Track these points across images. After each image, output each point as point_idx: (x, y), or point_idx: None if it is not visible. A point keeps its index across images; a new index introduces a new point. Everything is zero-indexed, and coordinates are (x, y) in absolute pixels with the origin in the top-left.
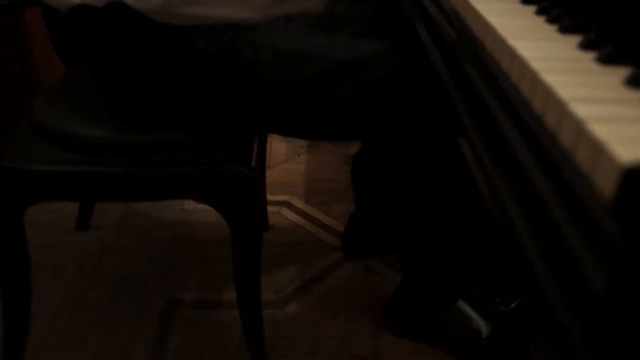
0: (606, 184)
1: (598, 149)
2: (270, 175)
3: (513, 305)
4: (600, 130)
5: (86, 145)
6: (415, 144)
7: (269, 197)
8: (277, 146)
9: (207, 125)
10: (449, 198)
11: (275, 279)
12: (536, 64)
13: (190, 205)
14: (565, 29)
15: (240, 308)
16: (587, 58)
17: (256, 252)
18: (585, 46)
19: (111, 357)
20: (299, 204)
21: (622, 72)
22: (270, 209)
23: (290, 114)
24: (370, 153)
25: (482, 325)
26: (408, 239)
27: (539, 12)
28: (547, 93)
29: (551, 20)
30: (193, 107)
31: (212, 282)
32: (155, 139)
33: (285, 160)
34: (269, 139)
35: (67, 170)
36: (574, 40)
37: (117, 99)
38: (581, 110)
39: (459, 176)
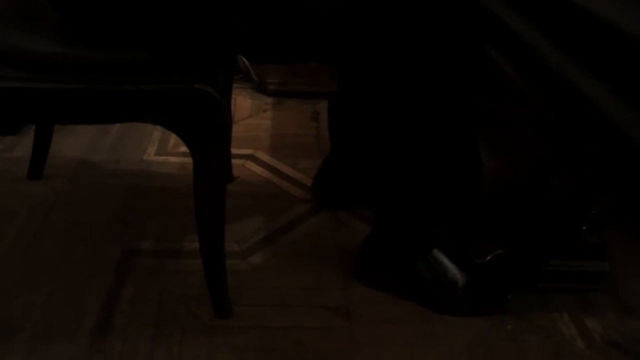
0: None
1: None
2: (235, 130)
3: (489, 257)
4: None
5: (37, 61)
6: (397, 72)
7: (233, 151)
8: (242, 102)
9: (170, 43)
10: (427, 138)
11: (239, 230)
12: None
13: (149, 156)
14: None
15: (203, 256)
16: None
17: (220, 190)
18: None
19: (63, 304)
20: (264, 157)
21: None
22: (234, 161)
23: (266, 29)
24: (349, 91)
25: (458, 275)
26: (383, 181)
27: None
28: None
29: None
30: (156, 22)
31: (173, 231)
32: (114, 56)
33: (250, 115)
34: (233, 95)
35: (15, 86)
36: None
37: (72, 13)
38: None
39: (439, 115)
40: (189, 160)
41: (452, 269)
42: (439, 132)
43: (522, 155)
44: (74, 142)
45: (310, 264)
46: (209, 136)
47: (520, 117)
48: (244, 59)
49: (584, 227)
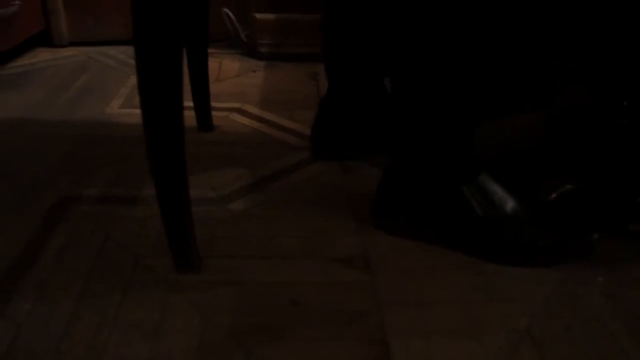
0: None
1: None
2: (218, 87)
3: (554, 195)
4: None
5: None
6: None
7: (215, 104)
8: (229, 64)
9: None
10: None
11: (216, 177)
12: None
13: (113, 109)
14: None
15: (159, 199)
16: None
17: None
18: None
19: None
20: (252, 110)
21: None
22: (215, 114)
23: None
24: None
25: (521, 210)
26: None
27: None
28: None
29: None
30: None
31: (127, 178)
32: None
33: (238, 75)
34: (218, 59)
35: None
36: None
37: None
38: None
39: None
40: None
41: (512, 202)
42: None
43: (587, 75)
44: (24, 96)
45: (311, 210)
46: None
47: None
48: (229, 13)
49: None
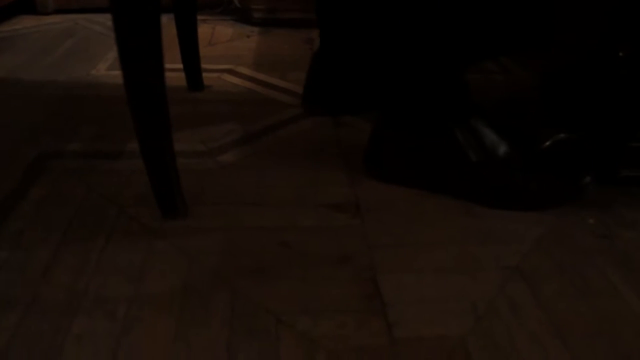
0: None
1: None
2: (211, 50)
3: (548, 143)
4: None
5: None
6: None
7: (207, 66)
8: (222, 30)
9: None
10: None
11: (206, 132)
12: None
13: (99, 72)
14: None
15: (142, 152)
16: None
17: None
18: None
19: None
20: (245, 71)
21: None
22: (207, 75)
23: None
24: None
25: (513, 154)
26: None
27: None
28: None
29: None
30: None
31: (113, 133)
32: None
33: (231, 40)
34: (211, 25)
35: None
36: None
37: None
38: None
39: None
40: None
41: (504, 146)
42: None
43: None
44: (7, 59)
45: (303, 161)
46: None
47: None
48: None
49: None
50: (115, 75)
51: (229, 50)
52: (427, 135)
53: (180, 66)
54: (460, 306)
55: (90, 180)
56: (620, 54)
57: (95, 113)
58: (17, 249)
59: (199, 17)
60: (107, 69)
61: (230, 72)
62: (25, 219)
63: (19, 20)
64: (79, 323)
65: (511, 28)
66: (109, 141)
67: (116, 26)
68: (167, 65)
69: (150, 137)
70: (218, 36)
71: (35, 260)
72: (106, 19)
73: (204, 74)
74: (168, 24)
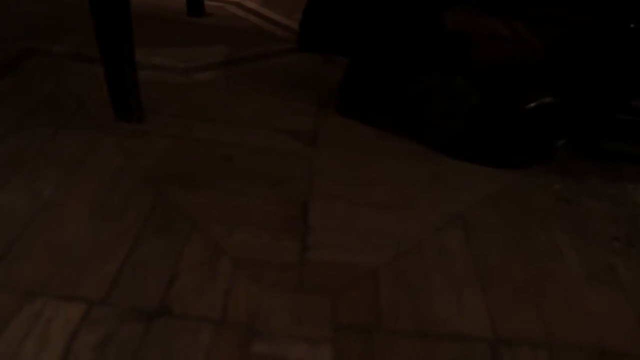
0: None
1: None
2: None
3: (533, 105)
4: None
5: None
6: None
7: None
8: None
9: None
10: None
11: (190, 52)
12: None
13: None
14: None
15: (100, 49)
16: None
17: None
18: None
19: None
20: (252, 5)
21: None
22: (210, 3)
23: None
24: None
25: (481, 101)
26: None
27: None
28: None
29: None
30: None
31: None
32: None
33: None
34: None
35: None
36: None
37: None
38: None
39: None
40: None
41: (476, 95)
42: None
43: None
44: None
45: (277, 90)
46: None
47: None
48: None
49: None
50: None
51: None
52: (397, 77)
53: None
54: (384, 242)
55: (63, 78)
56: (632, 25)
57: (84, 21)
58: None
59: None
60: None
61: (236, 4)
62: None
63: None
64: (2, 195)
65: None
66: (96, 47)
67: None
68: None
69: (109, 38)
70: None
71: None
72: None
73: (209, 3)
74: None
